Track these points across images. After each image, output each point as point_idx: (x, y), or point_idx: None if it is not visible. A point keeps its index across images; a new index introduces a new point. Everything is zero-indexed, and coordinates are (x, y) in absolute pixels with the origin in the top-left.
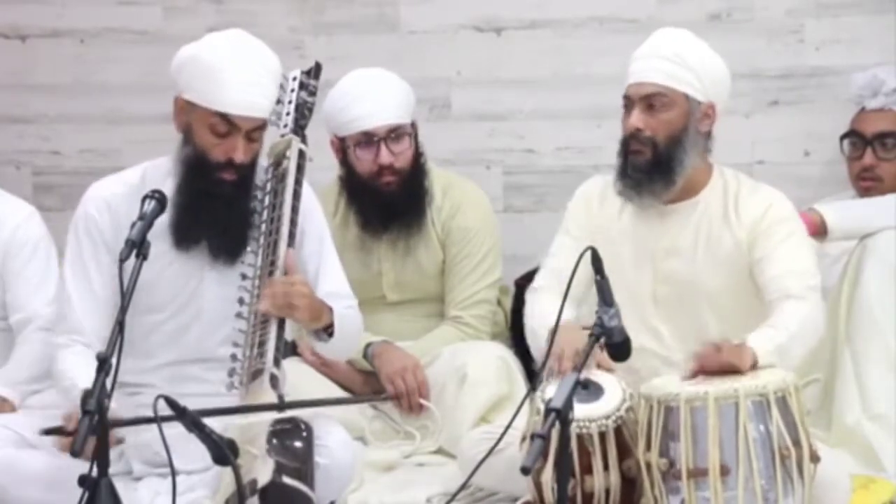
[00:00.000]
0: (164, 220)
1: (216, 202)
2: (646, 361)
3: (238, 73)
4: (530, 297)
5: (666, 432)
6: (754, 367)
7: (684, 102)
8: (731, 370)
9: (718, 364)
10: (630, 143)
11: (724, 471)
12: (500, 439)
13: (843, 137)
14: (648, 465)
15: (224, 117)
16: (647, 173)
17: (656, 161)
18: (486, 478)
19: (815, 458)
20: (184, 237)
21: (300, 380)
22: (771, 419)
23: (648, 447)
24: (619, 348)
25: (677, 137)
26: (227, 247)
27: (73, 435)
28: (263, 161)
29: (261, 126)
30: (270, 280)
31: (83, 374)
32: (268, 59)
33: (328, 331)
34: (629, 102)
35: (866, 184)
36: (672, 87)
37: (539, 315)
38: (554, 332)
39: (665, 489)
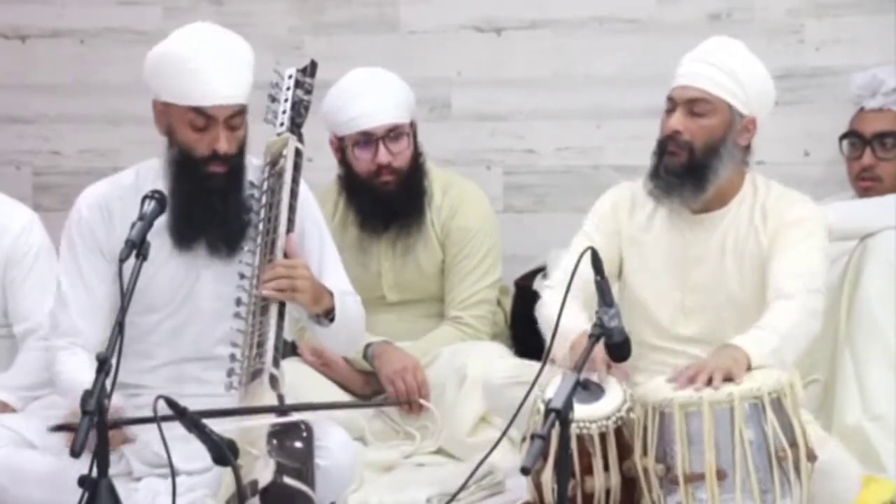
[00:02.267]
0: (159, 220)
1: (210, 197)
2: (675, 360)
3: (206, 66)
4: (544, 293)
5: (662, 438)
6: (748, 369)
7: (727, 112)
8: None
9: (711, 373)
10: (667, 145)
11: (721, 475)
12: (499, 440)
13: (842, 138)
14: (646, 470)
15: (199, 111)
16: (679, 177)
17: (691, 166)
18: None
19: (812, 457)
20: (182, 237)
21: (300, 380)
22: (766, 421)
23: (645, 452)
24: (619, 348)
25: (715, 146)
26: (226, 239)
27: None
28: (260, 160)
29: (239, 112)
30: (271, 264)
31: (85, 374)
32: (235, 45)
33: (329, 316)
34: (672, 104)
35: (865, 184)
36: (717, 94)
37: (552, 309)
38: (554, 332)
39: (663, 494)
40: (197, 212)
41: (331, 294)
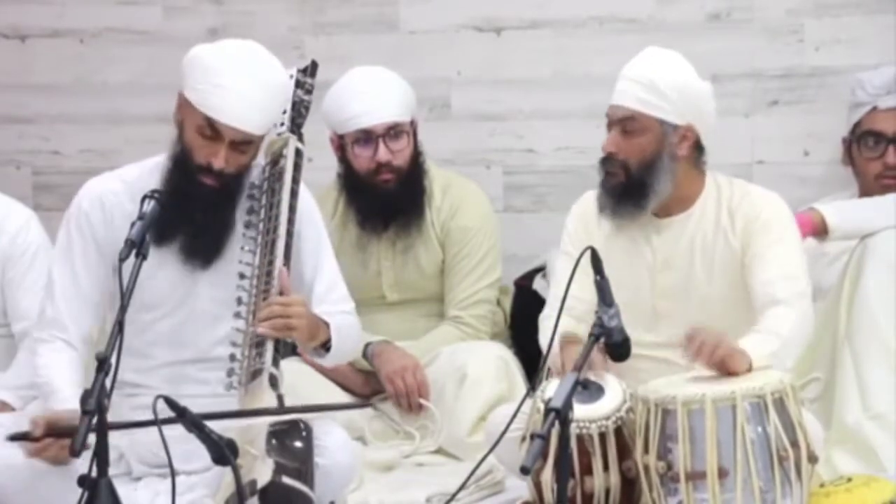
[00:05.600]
0: None
1: (193, 204)
2: (645, 365)
3: (233, 83)
4: (542, 324)
5: (664, 435)
6: (749, 370)
7: (657, 127)
8: (726, 371)
9: (713, 360)
10: (604, 164)
11: (722, 473)
12: (498, 440)
13: (858, 138)
14: (646, 468)
15: (210, 122)
16: (618, 196)
17: (629, 184)
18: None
19: (812, 459)
20: (158, 232)
21: (300, 380)
22: (768, 421)
23: (646, 450)
24: (619, 348)
25: (649, 162)
26: (200, 251)
27: (39, 440)
28: (260, 160)
29: (250, 141)
30: (267, 302)
31: (60, 375)
32: (272, 76)
33: (325, 346)
34: (609, 122)
35: (889, 181)
36: (643, 111)
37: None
38: (551, 339)
39: (663, 492)
40: (176, 213)
41: (327, 325)
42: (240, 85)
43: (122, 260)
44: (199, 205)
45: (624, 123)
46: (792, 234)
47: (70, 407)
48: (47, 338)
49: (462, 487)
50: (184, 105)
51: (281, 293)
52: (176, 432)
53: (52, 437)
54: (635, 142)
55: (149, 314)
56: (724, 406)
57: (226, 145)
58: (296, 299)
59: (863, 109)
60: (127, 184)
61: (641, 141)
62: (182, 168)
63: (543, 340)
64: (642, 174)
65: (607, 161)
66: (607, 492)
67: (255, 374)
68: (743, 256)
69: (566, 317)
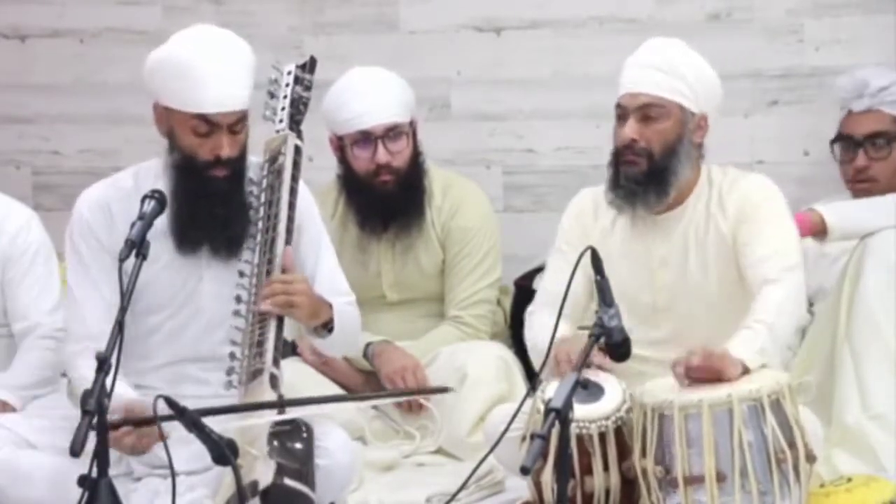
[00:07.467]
0: (161, 222)
1: (212, 200)
2: (647, 368)
3: (209, 72)
4: (529, 319)
5: (661, 440)
6: (745, 373)
7: (679, 113)
8: (719, 378)
9: (707, 371)
10: (624, 154)
11: (721, 477)
12: (498, 440)
13: (833, 141)
14: (644, 472)
15: (203, 118)
16: (641, 184)
17: (651, 172)
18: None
19: (811, 459)
20: (185, 240)
21: (300, 380)
22: (766, 423)
23: (644, 454)
24: (619, 348)
25: (672, 147)
26: (228, 242)
27: (115, 429)
28: (259, 157)
29: (242, 118)
30: (269, 279)
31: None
32: (237, 48)
33: (327, 327)
34: (623, 112)
35: (861, 185)
36: (667, 97)
37: (539, 329)
38: (549, 345)
39: (662, 496)
40: (200, 215)
41: (329, 306)
42: (215, 69)
43: (121, 260)
44: (217, 199)
45: (645, 110)
46: (780, 214)
47: (132, 398)
48: (81, 350)
49: (462, 487)
50: (165, 114)
51: (284, 272)
52: (177, 435)
53: (128, 426)
54: (657, 128)
55: (153, 317)
56: (720, 410)
57: (225, 133)
58: (298, 277)
59: (843, 112)
60: (124, 190)
61: (664, 127)
62: (190, 172)
63: (529, 335)
64: (665, 160)
65: (626, 150)
66: (607, 492)
67: (256, 373)
68: (734, 243)
69: (551, 311)
